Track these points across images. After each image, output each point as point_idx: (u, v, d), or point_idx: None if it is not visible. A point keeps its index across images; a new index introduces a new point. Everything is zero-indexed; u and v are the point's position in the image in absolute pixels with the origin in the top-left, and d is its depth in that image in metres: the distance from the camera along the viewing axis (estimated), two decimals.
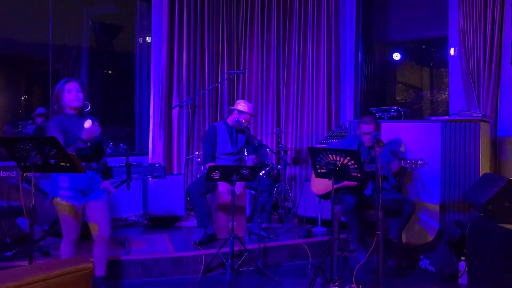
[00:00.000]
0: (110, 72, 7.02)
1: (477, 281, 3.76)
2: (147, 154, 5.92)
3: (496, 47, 4.88)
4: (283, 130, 6.21)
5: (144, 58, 6.33)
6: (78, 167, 2.77)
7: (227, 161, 4.66)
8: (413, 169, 4.11)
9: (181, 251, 4.16)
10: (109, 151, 6.04)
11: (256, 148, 5.01)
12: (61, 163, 2.73)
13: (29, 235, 2.66)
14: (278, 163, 6.01)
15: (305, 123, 6.19)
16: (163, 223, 5.26)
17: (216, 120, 6.14)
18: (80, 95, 3.20)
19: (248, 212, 5.12)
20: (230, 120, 4.74)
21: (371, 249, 3.70)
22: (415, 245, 4.36)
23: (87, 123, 2.98)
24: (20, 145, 2.64)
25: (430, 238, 4.39)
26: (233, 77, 6.31)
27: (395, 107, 4.98)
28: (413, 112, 6.07)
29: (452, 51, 5.37)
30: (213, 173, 3.82)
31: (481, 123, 4.38)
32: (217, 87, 6.22)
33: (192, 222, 5.22)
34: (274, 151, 6.05)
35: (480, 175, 4.30)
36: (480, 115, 4.52)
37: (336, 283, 3.50)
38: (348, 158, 3.29)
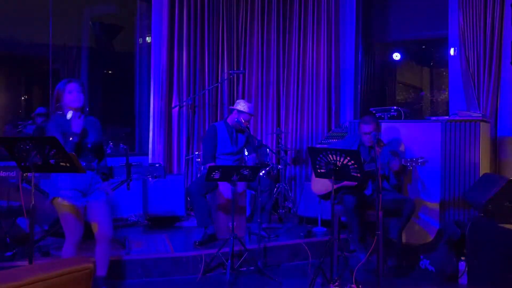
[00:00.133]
0: (110, 72, 7.01)
1: (477, 281, 3.76)
2: (147, 154, 5.93)
3: (496, 47, 4.88)
4: (283, 130, 6.21)
5: (144, 58, 6.32)
6: (78, 167, 2.77)
7: (227, 161, 4.66)
8: (413, 167, 4.11)
9: (181, 251, 4.16)
10: (109, 151, 6.05)
11: (256, 148, 5.02)
12: (61, 163, 2.72)
13: (29, 235, 2.66)
14: (278, 163, 6.01)
15: (305, 123, 6.19)
16: (163, 223, 5.26)
17: (216, 120, 6.14)
18: (81, 95, 3.20)
19: (248, 212, 5.12)
20: (230, 120, 4.74)
21: (371, 249, 3.70)
22: (415, 245, 4.36)
23: (69, 114, 3.10)
24: (20, 145, 2.64)
25: (430, 238, 4.39)
26: (233, 77, 6.31)
27: (395, 107, 4.99)
28: (413, 112, 6.07)
29: (452, 51, 5.37)
30: (213, 173, 3.82)
31: (481, 123, 4.38)
32: (217, 87, 6.22)
33: (192, 222, 5.22)
34: (274, 151, 6.05)
35: (480, 175, 4.30)
36: (480, 115, 4.52)
37: (336, 283, 3.50)
38: (348, 158, 3.29)
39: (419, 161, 3.70)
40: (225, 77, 6.22)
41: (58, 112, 3.18)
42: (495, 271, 3.59)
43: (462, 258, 3.90)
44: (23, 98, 6.60)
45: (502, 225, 3.67)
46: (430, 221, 4.51)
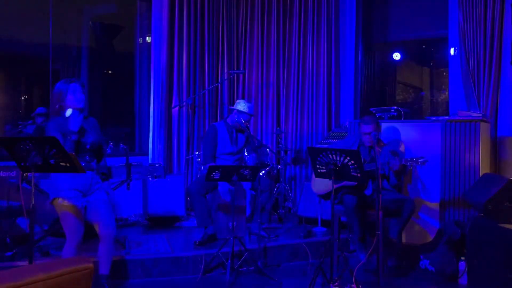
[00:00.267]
0: (110, 72, 7.01)
1: (477, 281, 3.76)
2: (147, 154, 5.93)
3: (496, 47, 4.88)
4: (283, 130, 6.21)
5: (144, 58, 6.32)
6: (78, 167, 2.77)
7: (227, 161, 4.66)
8: (413, 167, 4.11)
9: (181, 251, 4.16)
10: (109, 151, 6.05)
11: (256, 148, 5.02)
12: (61, 163, 2.72)
13: (29, 235, 2.66)
14: (278, 163, 6.02)
15: (305, 123, 6.19)
16: (163, 223, 5.26)
17: (216, 120, 6.14)
18: (83, 96, 3.21)
19: (248, 212, 5.12)
20: (230, 120, 4.74)
21: (371, 249, 3.70)
22: (415, 245, 4.36)
23: (69, 112, 3.08)
24: (20, 145, 2.64)
25: (430, 238, 4.39)
26: (233, 77, 6.31)
27: (395, 107, 4.99)
28: (413, 112, 6.07)
29: (452, 51, 5.37)
30: (213, 173, 3.82)
31: (481, 123, 4.38)
32: (217, 87, 6.22)
33: (192, 222, 5.22)
34: (274, 151, 6.05)
35: (480, 175, 4.30)
36: (480, 115, 4.52)
37: (336, 283, 3.50)
38: (348, 158, 3.29)
39: (419, 161, 3.70)
40: (225, 77, 6.22)
41: (61, 112, 3.17)
42: (495, 271, 3.58)
43: (462, 258, 3.90)
44: (23, 98, 6.60)
45: (502, 225, 3.67)
46: (430, 221, 4.51)
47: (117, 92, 6.80)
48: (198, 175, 5.54)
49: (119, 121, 6.72)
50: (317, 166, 3.44)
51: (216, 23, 6.24)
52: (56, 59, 5.82)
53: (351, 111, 6.17)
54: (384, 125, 4.63)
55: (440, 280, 3.95)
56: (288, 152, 6.21)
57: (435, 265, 4.05)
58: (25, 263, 3.48)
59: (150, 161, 5.83)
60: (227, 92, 6.32)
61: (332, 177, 3.37)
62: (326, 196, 4.34)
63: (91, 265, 1.74)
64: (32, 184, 2.65)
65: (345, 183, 4.02)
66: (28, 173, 2.74)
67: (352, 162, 3.30)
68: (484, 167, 4.44)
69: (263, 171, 5.44)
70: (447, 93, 5.83)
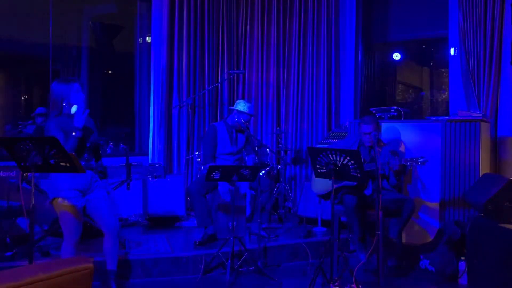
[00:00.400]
0: (110, 72, 7.01)
1: (477, 281, 3.75)
2: (147, 154, 5.93)
3: (496, 47, 4.88)
4: (283, 130, 6.20)
5: (144, 58, 6.33)
6: (78, 167, 2.77)
7: (227, 161, 4.66)
8: (413, 167, 4.11)
9: (181, 251, 4.16)
10: (109, 151, 6.05)
11: (256, 148, 5.02)
12: (61, 163, 2.73)
13: (29, 235, 2.66)
14: (278, 163, 6.02)
15: (305, 123, 6.19)
16: (163, 223, 5.26)
17: (216, 120, 6.14)
18: (84, 95, 3.24)
19: (248, 212, 5.12)
20: (230, 120, 4.74)
21: (371, 249, 3.70)
22: (415, 245, 4.36)
23: (74, 108, 3.11)
24: (20, 145, 2.64)
25: (430, 238, 4.39)
26: (233, 77, 6.31)
27: (395, 107, 4.98)
28: (413, 112, 6.07)
29: (452, 51, 5.37)
30: (213, 173, 3.82)
31: (481, 123, 4.38)
32: (217, 87, 6.22)
33: (192, 222, 5.22)
34: (274, 151, 6.05)
35: (480, 175, 4.30)
36: (480, 115, 4.52)
37: (336, 283, 3.50)
38: (348, 158, 3.29)
39: (419, 160, 3.70)
40: (225, 77, 6.22)
41: (64, 111, 3.18)
42: (495, 271, 3.58)
43: (462, 258, 3.90)
44: (23, 98, 6.60)
45: (502, 225, 3.67)
46: (430, 221, 4.51)
47: (117, 92, 6.80)
48: (198, 175, 5.54)
49: (119, 121, 6.72)
50: (317, 166, 3.44)
51: (216, 23, 6.24)
52: (56, 59, 5.82)
53: (351, 111, 6.17)
54: (384, 125, 4.63)
55: (440, 280, 3.95)
56: (288, 152, 6.21)
57: (435, 265, 4.05)
58: (25, 263, 3.48)
59: (150, 161, 5.83)
60: (227, 92, 6.32)
61: (332, 177, 3.37)
62: (326, 196, 4.34)
63: (91, 265, 1.74)
64: (32, 184, 2.65)
65: (345, 183, 4.02)
66: (28, 173, 2.74)
67: (352, 162, 3.30)
68: (484, 167, 4.44)
69: (263, 171, 5.44)
70: (447, 93, 5.83)
